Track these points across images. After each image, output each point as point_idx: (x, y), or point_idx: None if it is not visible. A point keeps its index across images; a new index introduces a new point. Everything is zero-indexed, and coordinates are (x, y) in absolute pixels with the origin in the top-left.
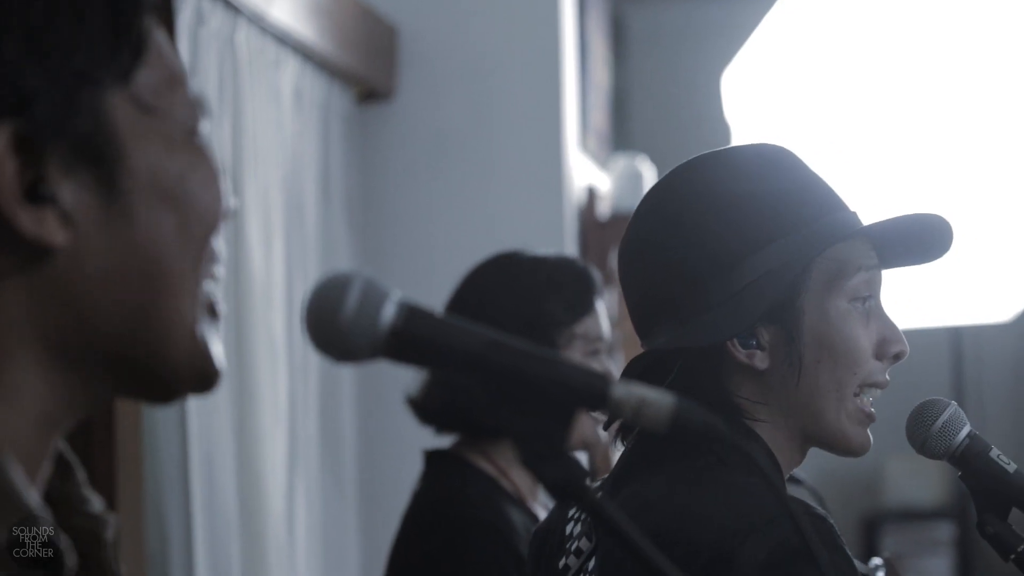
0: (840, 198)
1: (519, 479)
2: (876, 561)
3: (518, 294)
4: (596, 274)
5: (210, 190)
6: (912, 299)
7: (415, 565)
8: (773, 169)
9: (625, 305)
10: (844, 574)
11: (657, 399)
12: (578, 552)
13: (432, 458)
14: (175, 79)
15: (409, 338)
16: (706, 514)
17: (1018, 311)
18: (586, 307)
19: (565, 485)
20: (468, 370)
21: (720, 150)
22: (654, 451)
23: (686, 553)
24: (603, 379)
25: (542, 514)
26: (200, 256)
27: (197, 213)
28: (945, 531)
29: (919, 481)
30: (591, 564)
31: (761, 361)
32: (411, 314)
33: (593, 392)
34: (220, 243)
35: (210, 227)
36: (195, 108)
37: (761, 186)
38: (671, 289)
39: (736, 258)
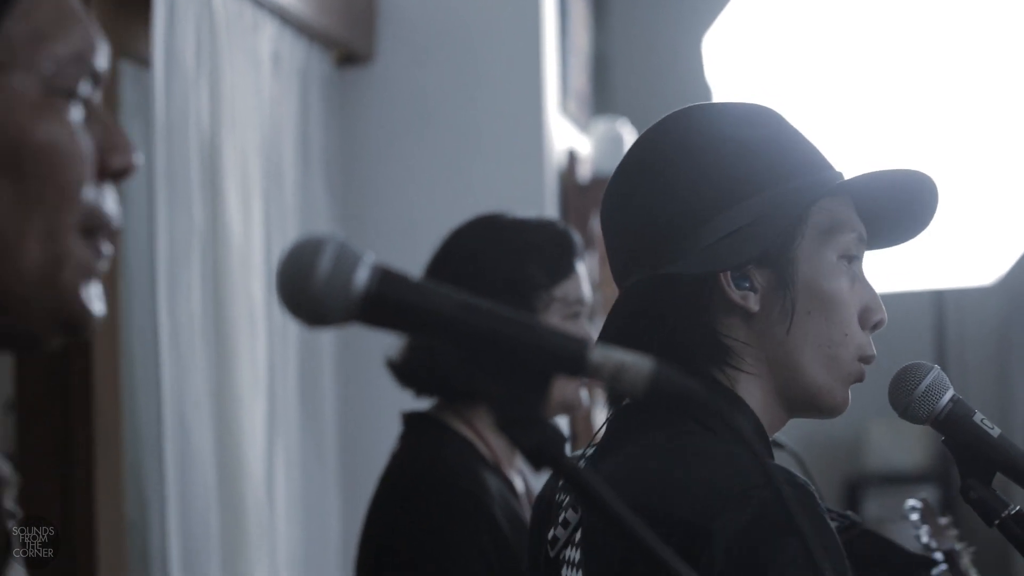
0: (826, 157)
1: (496, 444)
2: (912, 503)
3: (499, 257)
4: (577, 237)
5: (62, 153)
6: (895, 262)
7: (393, 529)
8: (763, 120)
9: (609, 253)
10: (825, 545)
11: (635, 363)
12: (565, 523)
13: (410, 420)
14: (45, 33)
15: (382, 301)
16: (685, 486)
17: (1000, 274)
18: (566, 270)
19: (541, 451)
20: (443, 334)
21: (709, 102)
22: (637, 419)
23: (666, 526)
24: (581, 343)
25: (517, 481)
26: (58, 216)
27: (43, 177)
28: (928, 494)
29: (901, 445)
30: (578, 536)
31: (754, 303)
32: (384, 277)
33: (570, 357)
34: (100, 197)
35: (65, 190)
36: (70, 66)
37: (753, 134)
38: (664, 229)
39: (730, 200)
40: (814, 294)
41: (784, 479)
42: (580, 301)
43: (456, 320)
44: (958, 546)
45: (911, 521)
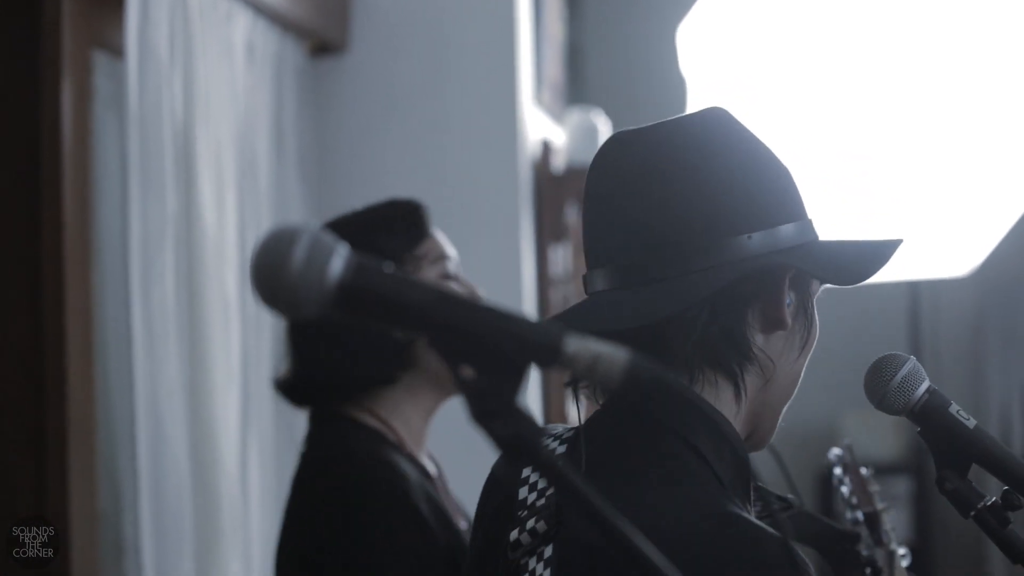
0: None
1: (402, 429)
2: (836, 451)
3: (350, 240)
4: (423, 204)
5: None
6: None
7: (314, 531)
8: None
9: (601, 242)
10: None
11: (611, 354)
12: (533, 532)
13: (315, 418)
14: None
15: (357, 292)
16: (675, 544)
17: (975, 265)
18: (420, 231)
19: (516, 443)
20: (417, 325)
21: (727, 111)
22: (614, 432)
23: None
24: (556, 334)
25: (429, 465)
26: None
27: None
28: (902, 486)
29: (875, 436)
30: (547, 552)
31: (790, 319)
32: (359, 268)
33: (545, 347)
34: None
35: None
36: None
37: (771, 156)
38: (697, 229)
39: (781, 216)
40: (811, 334)
41: (794, 561)
42: (445, 256)
43: (431, 311)
44: (879, 506)
45: (834, 475)
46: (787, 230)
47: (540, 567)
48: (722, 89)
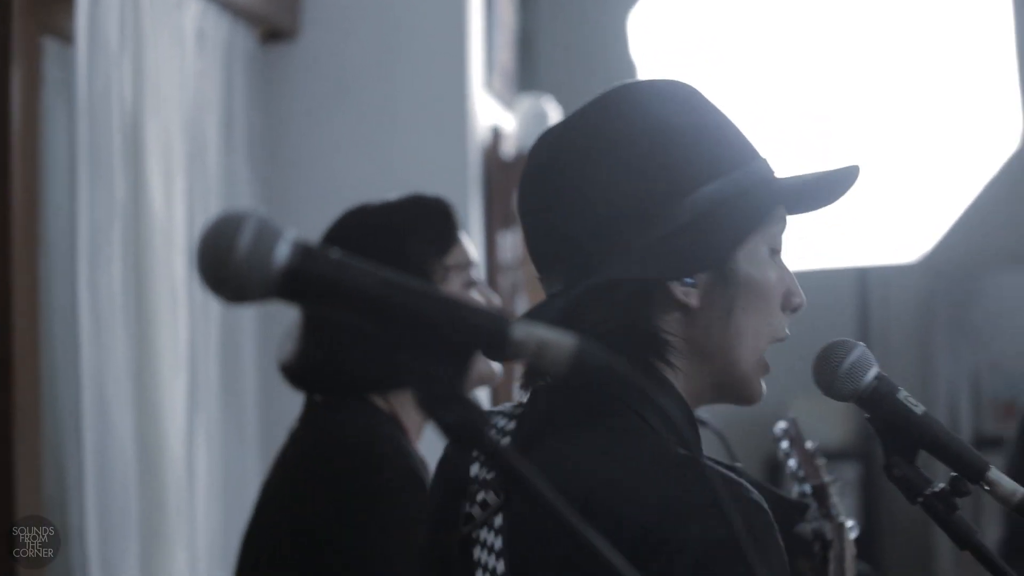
0: (751, 141)
1: (408, 420)
2: (781, 425)
3: (381, 243)
4: (451, 204)
5: None
6: (818, 240)
7: (323, 509)
8: (692, 105)
9: (532, 243)
10: (775, 570)
11: (558, 340)
12: (484, 504)
13: (328, 401)
14: None
15: (303, 278)
16: (638, 492)
17: (924, 252)
18: (450, 238)
19: (463, 429)
20: (363, 311)
21: (634, 83)
22: (562, 404)
23: (614, 526)
24: (502, 320)
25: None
26: None
27: None
28: (850, 471)
29: (823, 422)
30: (497, 520)
31: (695, 300)
32: (305, 254)
33: (492, 333)
34: None
35: None
36: None
37: (683, 121)
38: (600, 226)
39: (668, 197)
40: (750, 290)
41: (740, 495)
42: (471, 264)
43: (377, 297)
44: (827, 478)
45: (780, 449)
46: (682, 208)
47: (491, 536)
48: (673, 75)
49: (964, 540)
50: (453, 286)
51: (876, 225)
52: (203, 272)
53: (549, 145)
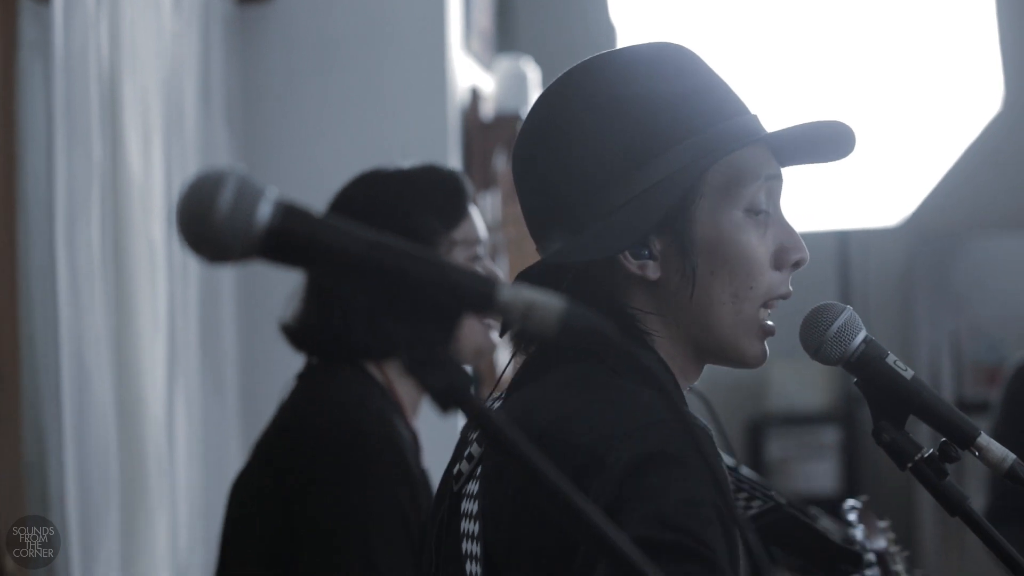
0: (740, 101)
1: (403, 392)
2: (852, 503)
3: (388, 211)
4: (465, 177)
5: None
6: (800, 203)
7: (309, 477)
8: (669, 71)
9: (523, 214)
10: (711, 486)
11: (545, 302)
12: (470, 457)
13: (322, 363)
14: None
15: (286, 237)
16: (586, 417)
17: (905, 215)
18: (460, 212)
19: (449, 393)
20: (347, 271)
21: (615, 51)
22: (546, 359)
23: (563, 454)
24: (490, 282)
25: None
26: None
27: None
28: (830, 435)
29: (804, 386)
30: (479, 470)
31: (653, 271)
32: (288, 213)
33: (479, 295)
34: None
35: None
36: None
37: (657, 88)
38: (564, 196)
39: (632, 164)
40: (716, 254)
41: (684, 418)
42: (479, 240)
43: (362, 258)
44: (892, 548)
45: (848, 520)
46: (637, 178)
47: (472, 485)
48: (652, 38)
49: (954, 506)
50: (457, 260)
51: (857, 189)
52: (184, 231)
53: (529, 114)
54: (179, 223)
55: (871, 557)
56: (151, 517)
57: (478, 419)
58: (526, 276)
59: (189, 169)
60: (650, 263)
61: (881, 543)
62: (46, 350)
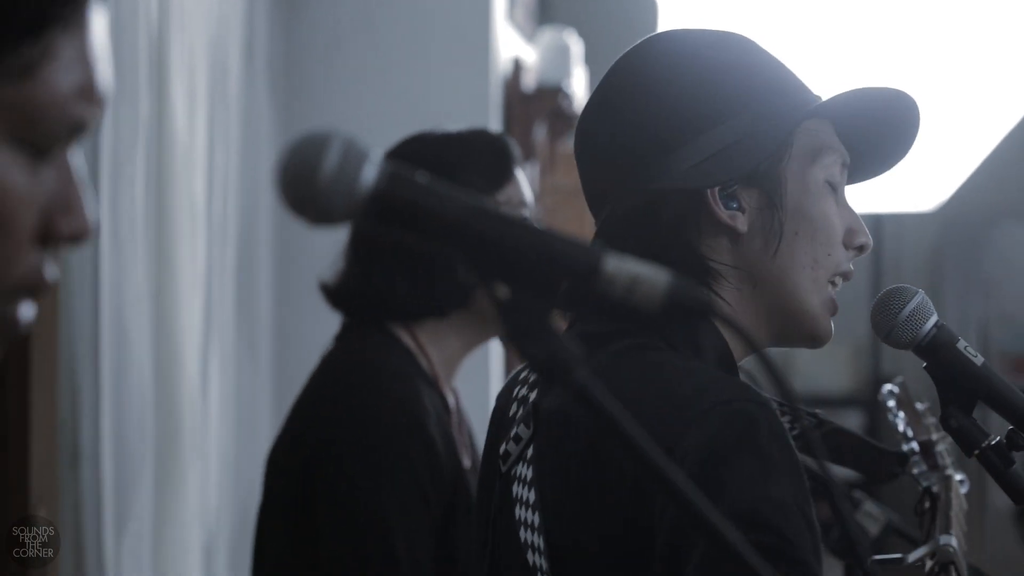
0: (801, 79)
1: (437, 358)
2: (889, 387)
3: (434, 170)
4: (512, 142)
5: None
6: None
7: (327, 439)
8: (738, 45)
9: (584, 185)
10: (787, 467)
11: (651, 276)
12: (517, 438)
13: (354, 324)
14: None
15: (389, 201)
16: (653, 403)
17: (941, 201)
18: (506, 174)
19: (551, 364)
20: (450, 237)
21: (679, 29)
22: (598, 331)
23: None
24: (595, 252)
25: (450, 398)
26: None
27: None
28: (854, 419)
29: (828, 369)
30: (529, 452)
31: (742, 224)
32: (393, 176)
33: (583, 265)
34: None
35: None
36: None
37: (729, 57)
38: (643, 151)
39: (712, 121)
40: (802, 215)
41: (749, 397)
42: (523, 203)
43: (465, 224)
44: (935, 435)
45: (888, 408)
46: (724, 131)
47: (523, 468)
48: (694, 8)
49: (1020, 494)
50: None
51: (895, 173)
52: (286, 192)
53: (598, 86)
54: (281, 184)
55: (914, 447)
56: (184, 475)
57: (582, 394)
58: (606, 228)
59: (232, 130)
60: (739, 215)
61: (923, 433)
62: (84, 306)
